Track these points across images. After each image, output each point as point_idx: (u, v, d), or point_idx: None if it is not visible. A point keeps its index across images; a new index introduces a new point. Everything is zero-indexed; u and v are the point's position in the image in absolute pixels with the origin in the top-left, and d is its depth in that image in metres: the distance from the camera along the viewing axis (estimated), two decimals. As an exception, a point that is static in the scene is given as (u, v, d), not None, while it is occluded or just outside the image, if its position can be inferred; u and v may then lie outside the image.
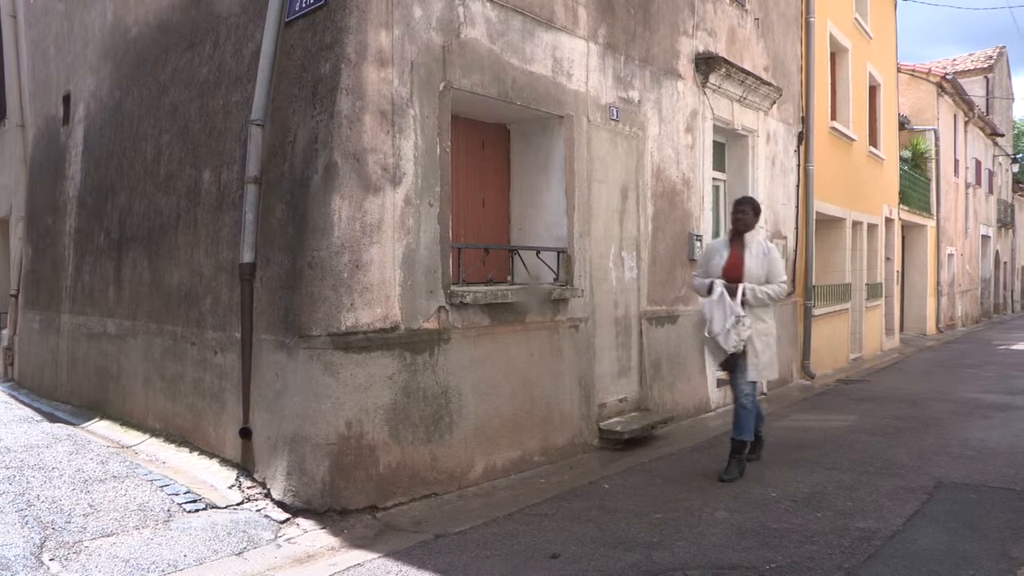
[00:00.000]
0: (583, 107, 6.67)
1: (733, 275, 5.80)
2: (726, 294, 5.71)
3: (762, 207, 9.51)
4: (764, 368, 5.93)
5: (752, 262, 5.82)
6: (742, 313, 5.67)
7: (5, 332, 12.31)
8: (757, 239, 5.94)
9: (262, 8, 5.45)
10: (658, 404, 7.49)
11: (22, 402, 9.78)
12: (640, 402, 7.35)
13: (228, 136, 5.90)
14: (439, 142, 5.40)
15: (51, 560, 4.08)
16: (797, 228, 11.03)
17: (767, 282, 5.82)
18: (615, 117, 7.04)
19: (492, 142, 6.64)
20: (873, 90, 15.67)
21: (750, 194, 9.38)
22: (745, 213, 5.92)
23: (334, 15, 5.01)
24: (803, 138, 11.07)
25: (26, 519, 4.69)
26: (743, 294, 5.71)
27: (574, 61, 6.58)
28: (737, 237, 5.93)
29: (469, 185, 6.09)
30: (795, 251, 10.95)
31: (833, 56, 13.03)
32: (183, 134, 6.58)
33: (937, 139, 20.69)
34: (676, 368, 7.86)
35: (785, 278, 5.96)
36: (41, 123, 10.74)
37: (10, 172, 12.41)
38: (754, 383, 5.96)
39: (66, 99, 9.48)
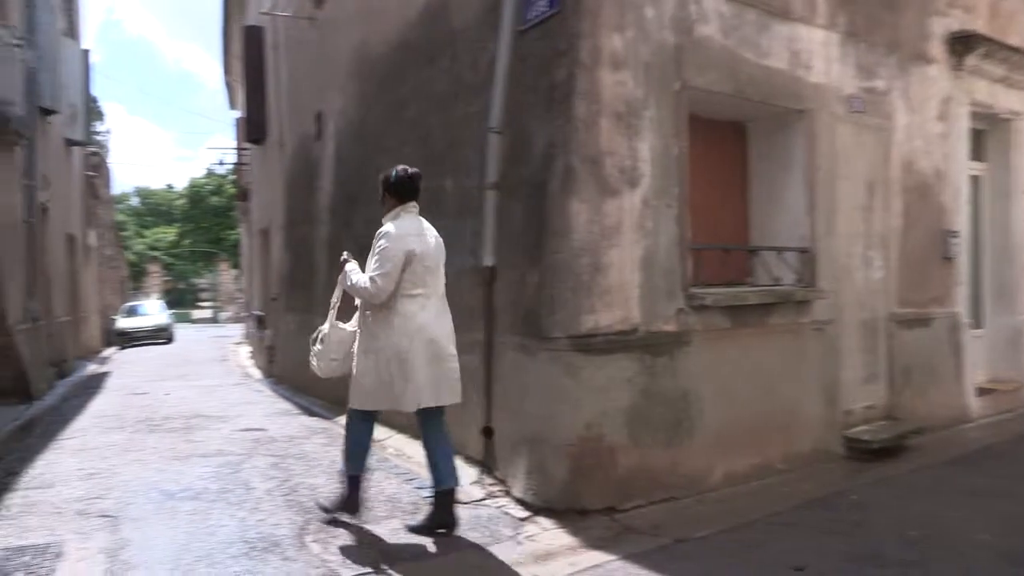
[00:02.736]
0: (823, 100, 6.35)
1: None
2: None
3: None
4: (364, 395, 4.58)
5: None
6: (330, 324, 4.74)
7: (268, 332, 13.50)
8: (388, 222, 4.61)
9: (496, 20, 5.61)
10: (909, 412, 6.96)
11: (283, 396, 10.69)
12: (889, 410, 6.88)
13: (466, 145, 6.12)
14: (675, 142, 5.33)
15: (312, 542, 4.41)
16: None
17: None
18: (858, 108, 6.64)
19: (728, 140, 6.46)
20: None
21: (1014, 186, 8.57)
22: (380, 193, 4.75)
23: (567, 21, 5.07)
24: (1080, 120, 9.90)
25: (290, 503, 5.12)
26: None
27: (812, 52, 6.27)
28: None
29: (706, 185, 5.95)
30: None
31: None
32: (423, 145, 6.90)
33: None
34: (929, 374, 7.29)
35: (374, 272, 4.43)
36: (296, 141, 11.68)
37: (271, 187, 13.59)
38: (362, 411, 4.65)
39: (318, 117, 10.25)
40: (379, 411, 4.74)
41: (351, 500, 4.71)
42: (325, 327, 4.86)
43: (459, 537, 4.49)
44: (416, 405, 4.54)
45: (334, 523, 4.71)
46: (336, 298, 4.84)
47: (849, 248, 6.56)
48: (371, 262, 4.51)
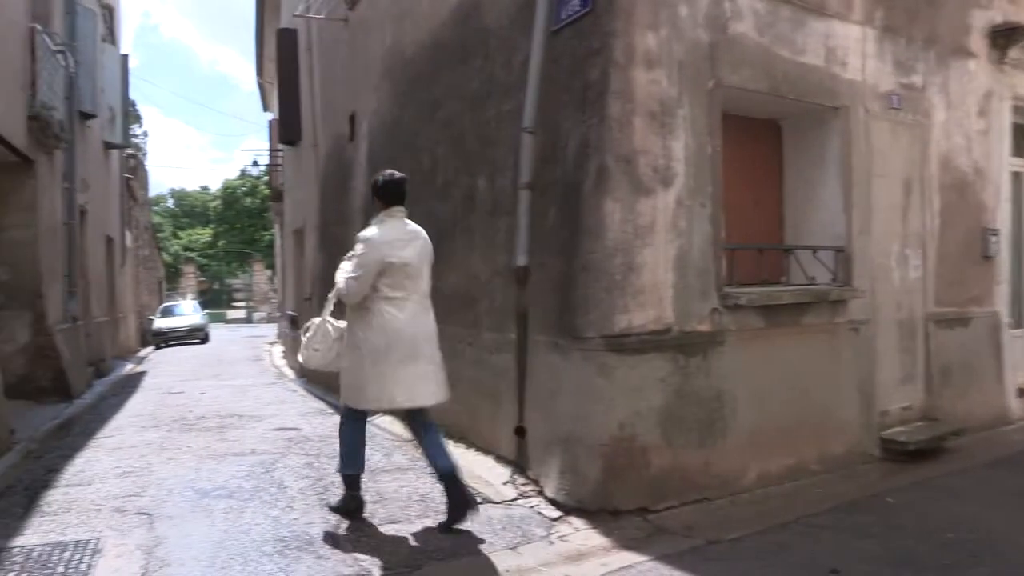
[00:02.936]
0: (859, 97, 6.27)
1: None
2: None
3: None
4: (346, 390, 4.79)
5: None
6: (324, 318, 4.97)
7: (302, 332, 13.57)
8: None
9: (528, 19, 5.60)
10: (947, 414, 6.86)
11: (316, 396, 10.76)
12: (926, 411, 6.78)
13: (500, 144, 6.13)
14: (709, 141, 5.30)
15: (345, 541, 4.45)
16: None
17: None
18: (895, 105, 6.56)
19: (762, 139, 6.41)
20: None
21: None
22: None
23: (600, 20, 5.06)
24: None
25: (324, 502, 5.15)
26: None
27: (848, 48, 6.20)
28: None
29: (740, 184, 5.91)
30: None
31: None
32: (457, 144, 6.92)
33: None
34: (968, 375, 7.17)
35: (347, 275, 4.66)
36: (330, 142, 11.76)
37: (305, 188, 13.69)
38: (352, 410, 4.83)
39: (351, 118, 10.31)
40: (369, 411, 4.87)
41: (352, 500, 4.90)
42: (317, 319, 5.04)
43: (491, 537, 4.50)
44: (389, 404, 4.72)
45: (364, 522, 4.76)
46: (333, 294, 4.94)
47: (885, 247, 6.48)
48: (350, 264, 4.69)
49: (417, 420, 4.82)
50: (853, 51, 6.23)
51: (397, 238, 4.68)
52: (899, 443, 6.21)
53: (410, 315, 4.65)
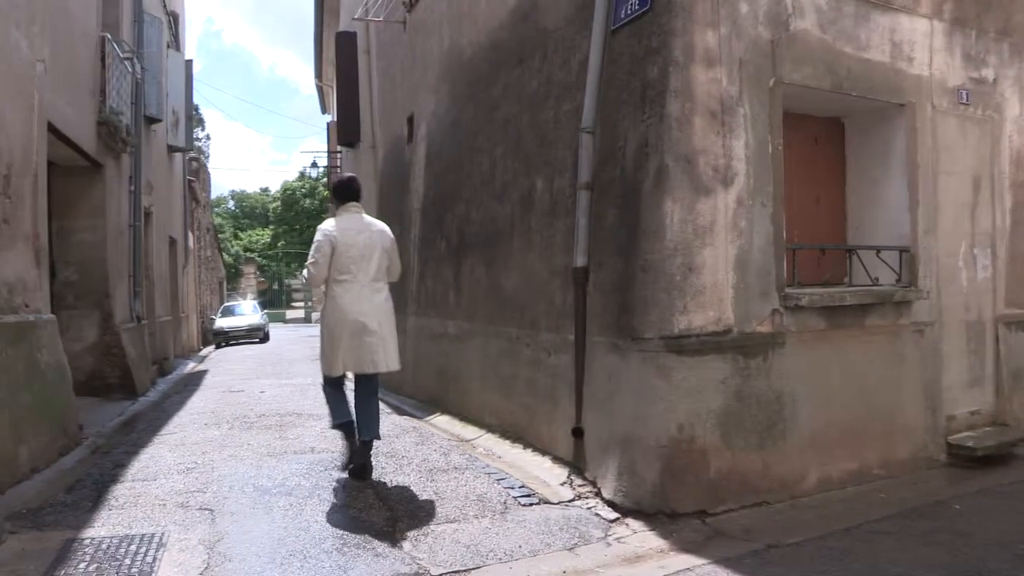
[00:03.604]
0: (926, 93, 6.12)
1: None
2: None
3: None
4: (321, 361, 5.81)
5: None
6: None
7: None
8: None
9: (587, 19, 5.60)
10: (1018, 419, 6.65)
11: (374, 395, 10.82)
12: (996, 416, 6.59)
13: (558, 145, 6.13)
14: (770, 140, 5.22)
15: (402, 539, 4.46)
16: None
17: None
18: (964, 101, 6.39)
19: (825, 137, 6.29)
20: None
21: None
22: None
23: (659, 19, 5.03)
24: None
25: (382, 500, 5.18)
26: None
27: (915, 43, 6.06)
28: None
29: (801, 183, 5.82)
30: None
31: None
32: (515, 145, 6.93)
33: None
34: (1040, 379, 6.96)
35: (307, 262, 5.69)
36: (389, 143, 11.86)
37: (365, 188, 13.80)
38: (326, 378, 5.83)
39: (409, 120, 10.40)
40: (342, 379, 5.79)
41: (351, 450, 5.71)
42: None
43: (548, 538, 4.49)
44: (340, 371, 5.62)
45: (422, 520, 4.77)
46: None
47: (953, 247, 6.32)
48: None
49: (360, 388, 5.74)
50: (920, 46, 6.09)
51: (347, 228, 5.53)
52: (967, 448, 6.05)
53: (355, 295, 5.49)
